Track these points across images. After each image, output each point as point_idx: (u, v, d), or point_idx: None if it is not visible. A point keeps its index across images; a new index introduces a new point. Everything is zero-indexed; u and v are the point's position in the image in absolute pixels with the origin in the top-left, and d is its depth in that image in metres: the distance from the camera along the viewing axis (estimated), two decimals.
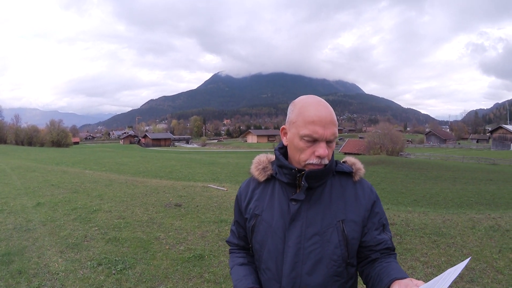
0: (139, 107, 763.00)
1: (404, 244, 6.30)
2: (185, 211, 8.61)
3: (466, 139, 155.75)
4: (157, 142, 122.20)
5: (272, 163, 1.82)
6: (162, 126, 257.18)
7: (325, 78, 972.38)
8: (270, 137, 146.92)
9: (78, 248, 5.82)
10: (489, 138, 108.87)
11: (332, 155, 1.67)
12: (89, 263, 5.18)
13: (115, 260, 5.28)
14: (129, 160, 33.74)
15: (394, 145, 53.40)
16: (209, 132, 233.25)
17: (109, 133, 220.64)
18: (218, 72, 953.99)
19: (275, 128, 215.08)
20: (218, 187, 12.88)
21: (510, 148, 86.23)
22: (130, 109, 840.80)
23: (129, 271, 4.99)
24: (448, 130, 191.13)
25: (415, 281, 1.28)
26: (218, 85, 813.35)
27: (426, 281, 1.27)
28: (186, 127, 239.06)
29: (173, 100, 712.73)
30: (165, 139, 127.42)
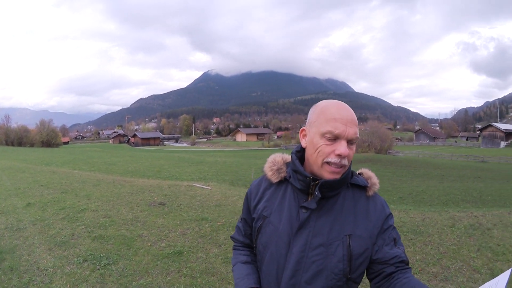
0: (128, 106, 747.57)
1: None
2: (168, 210, 8.91)
3: (456, 137, 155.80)
4: (147, 141, 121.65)
5: (287, 164, 1.79)
6: (151, 125, 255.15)
7: (315, 77, 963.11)
8: (259, 135, 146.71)
9: (66, 245, 6.12)
10: (479, 136, 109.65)
11: (350, 165, 1.64)
12: (76, 259, 5.47)
13: (100, 256, 5.58)
14: (118, 160, 33.69)
15: (382, 143, 53.62)
16: (198, 131, 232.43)
17: (99, 133, 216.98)
18: (208, 71, 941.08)
19: (264, 127, 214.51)
20: (203, 186, 13.13)
21: (499, 146, 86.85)
22: (120, 108, 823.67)
23: (112, 266, 5.28)
24: (437, 128, 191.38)
25: None
26: (208, 83, 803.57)
27: None
28: (176, 126, 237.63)
29: (163, 98, 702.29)
30: (154, 138, 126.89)
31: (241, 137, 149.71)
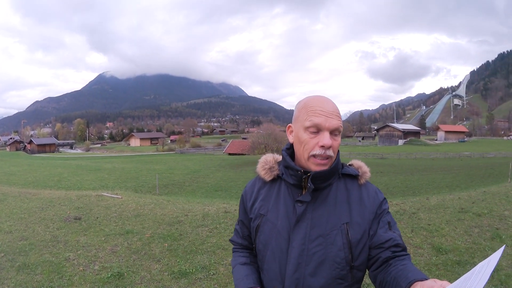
0: (24, 109, 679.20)
1: None
2: (86, 225, 7.96)
3: (351, 137, 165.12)
4: (42, 148, 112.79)
5: (278, 163, 1.77)
6: (46, 130, 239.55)
7: (209, 81, 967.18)
8: (153, 140, 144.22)
9: None
10: (375, 135, 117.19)
11: (338, 155, 1.64)
12: None
13: None
14: (17, 169, 30.82)
15: (278, 144, 54.92)
16: (92, 136, 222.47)
17: None
18: (103, 73, 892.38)
19: (157, 131, 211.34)
20: (113, 195, 12.30)
21: (398, 143, 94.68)
22: (16, 111, 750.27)
23: None
24: None
25: (439, 282, 1.18)
26: (102, 86, 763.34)
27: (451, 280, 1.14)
28: (70, 131, 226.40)
29: (58, 101, 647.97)
30: (50, 145, 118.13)
31: (135, 142, 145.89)
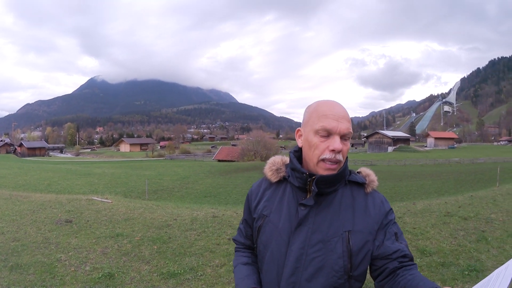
0: (15, 111, 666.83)
1: None
2: (77, 228, 8.00)
3: None
4: (33, 151, 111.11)
5: (286, 165, 1.74)
6: (37, 133, 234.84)
7: (199, 87, 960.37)
8: (142, 145, 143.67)
9: None
10: (365, 142, 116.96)
11: (346, 161, 1.62)
12: None
13: None
14: (7, 172, 30.72)
15: (268, 151, 54.82)
16: (82, 141, 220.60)
17: None
18: (94, 77, 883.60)
19: (147, 136, 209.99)
20: (103, 200, 12.32)
21: (387, 150, 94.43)
22: (6, 113, 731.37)
23: None
24: None
25: None
26: (93, 90, 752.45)
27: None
28: (60, 135, 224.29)
29: (49, 105, 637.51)
30: (40, 148, 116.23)
31: (124, 147, 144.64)
